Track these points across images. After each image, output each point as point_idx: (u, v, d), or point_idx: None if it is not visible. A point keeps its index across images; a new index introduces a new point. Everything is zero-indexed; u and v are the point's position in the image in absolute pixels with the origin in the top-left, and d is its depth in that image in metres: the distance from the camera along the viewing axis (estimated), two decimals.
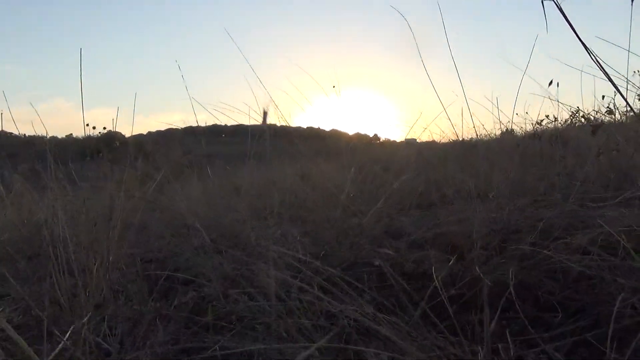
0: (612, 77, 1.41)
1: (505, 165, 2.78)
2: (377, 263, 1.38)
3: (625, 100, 1.84)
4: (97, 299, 1.43)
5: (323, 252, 1.69)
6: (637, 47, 2.08)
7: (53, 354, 1.08)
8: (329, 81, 3.19)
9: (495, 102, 3.16)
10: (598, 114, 3.64)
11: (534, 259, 1.28)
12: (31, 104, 2.08)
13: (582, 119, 3.56)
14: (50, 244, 1.48)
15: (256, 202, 2.77)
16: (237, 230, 2.15)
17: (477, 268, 1.23)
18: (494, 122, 4.88)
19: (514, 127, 5.36)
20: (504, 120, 5.40)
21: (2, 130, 3.36)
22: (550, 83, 2.76)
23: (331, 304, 1.11)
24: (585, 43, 1.33)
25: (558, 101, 3.21)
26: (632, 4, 1.65)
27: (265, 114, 2.86)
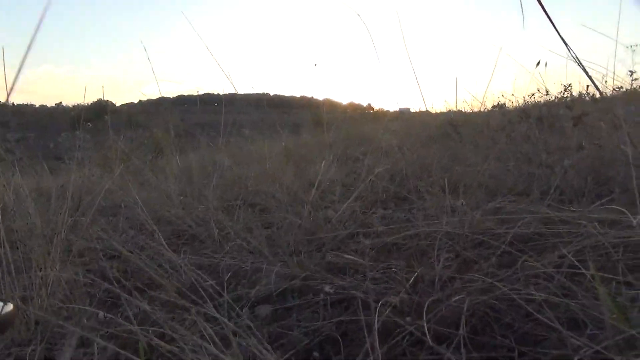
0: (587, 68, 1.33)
1: (488, 152, 2.67)
2: (327, 290, 1.31)
3: (598, 89, 1.76)
4: None
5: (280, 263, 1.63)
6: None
7: None
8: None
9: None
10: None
11: (492, 292, 1.20)
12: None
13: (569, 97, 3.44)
14: None
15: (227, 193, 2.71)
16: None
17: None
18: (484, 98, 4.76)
19: (506, 101, 5.21)
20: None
21: None
22: (538, 64, 2.59)
23: None
24: (568, 34, 1.24)
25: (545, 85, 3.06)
26: None
27: None
